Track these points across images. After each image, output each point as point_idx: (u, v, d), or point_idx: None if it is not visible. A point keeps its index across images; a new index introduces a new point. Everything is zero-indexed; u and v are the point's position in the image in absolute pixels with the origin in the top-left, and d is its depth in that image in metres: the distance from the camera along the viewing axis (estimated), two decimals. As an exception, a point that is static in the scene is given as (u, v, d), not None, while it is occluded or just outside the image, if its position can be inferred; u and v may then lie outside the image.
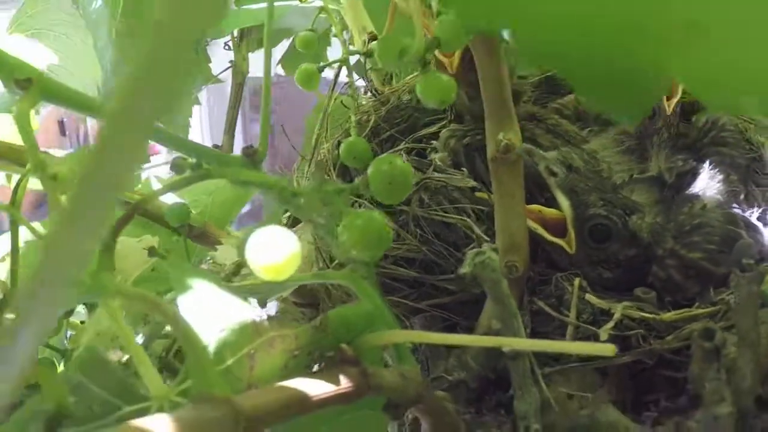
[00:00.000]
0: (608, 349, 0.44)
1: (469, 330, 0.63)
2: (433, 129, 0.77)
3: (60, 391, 0.38)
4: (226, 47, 1.09)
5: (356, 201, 0.67)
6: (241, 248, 0.45)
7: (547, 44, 0.33)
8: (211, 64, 1.11)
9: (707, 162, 0.73)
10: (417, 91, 0.52)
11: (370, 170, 0.46)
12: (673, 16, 0.30)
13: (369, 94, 0.83)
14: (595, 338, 0.59)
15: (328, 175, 0.71)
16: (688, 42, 0.30)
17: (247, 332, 0.44)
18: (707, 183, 0.70)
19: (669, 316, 0.59)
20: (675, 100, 0.73)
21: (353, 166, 0.70)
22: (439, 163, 0.69)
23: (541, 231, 0.62)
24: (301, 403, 0.42)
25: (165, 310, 0.39)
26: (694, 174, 0.71)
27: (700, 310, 0.60)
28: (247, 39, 1.06)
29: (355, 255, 0.45)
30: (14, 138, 0.77)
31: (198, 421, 0.35)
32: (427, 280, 0.65)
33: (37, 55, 0.92)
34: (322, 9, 0.78)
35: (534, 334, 0.60)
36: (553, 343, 0.53)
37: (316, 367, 0.50)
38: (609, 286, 0.63)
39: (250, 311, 0.45)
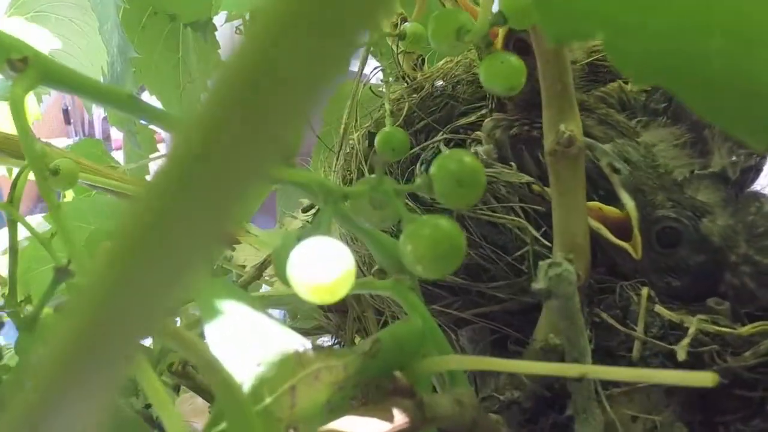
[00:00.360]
0: (709, 379, 0.37)
1: (522, 343, 0.56)
2: (471, 118, 0.70)
3: None
4: (238, 31, 1.01)
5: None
6: (277, 259, 0.38)
7: (652, 56, 0.27)
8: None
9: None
10: (481, 76, 0.44)
11: (433, 169, 0.39)
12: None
13: (400, 80, 0.75)
14: (666, 356, 0.53)
15: (360, 171, 0.64)
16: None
17: (289, 365, 0.38)
18: None
19: (746, 329, 0.52)
20: None
21: (391, 159, 0.62)
22: (484, 156, 0.62)
23: (604, 232, 0.55)
24: None
25: (198, 350, 0.33)
26: (757, 170, 0.64)
27: (781, 323, 0.53)
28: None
29: (421, 271, 0.38)
30: (14, 128, 0.70)
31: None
32: (473, 288, 0.58)
33: (39, 40, 0.84)
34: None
35: (596, 350, 0.54)
36: (636, 371, 0.46)
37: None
38: (676, 296, 0.56)
39: (291, 339, 0.38)
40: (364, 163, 0.65)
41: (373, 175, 0.43)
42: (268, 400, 0.37)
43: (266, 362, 0.37)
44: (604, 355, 0.54)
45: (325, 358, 0.39)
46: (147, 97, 1.00)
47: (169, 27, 0.99)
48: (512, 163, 0.61)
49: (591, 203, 0.57)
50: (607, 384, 0.53)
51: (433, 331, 0.48)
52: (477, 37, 0.44)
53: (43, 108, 1.72)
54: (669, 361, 0.53)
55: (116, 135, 2.47)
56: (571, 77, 0.52)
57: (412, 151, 0.65)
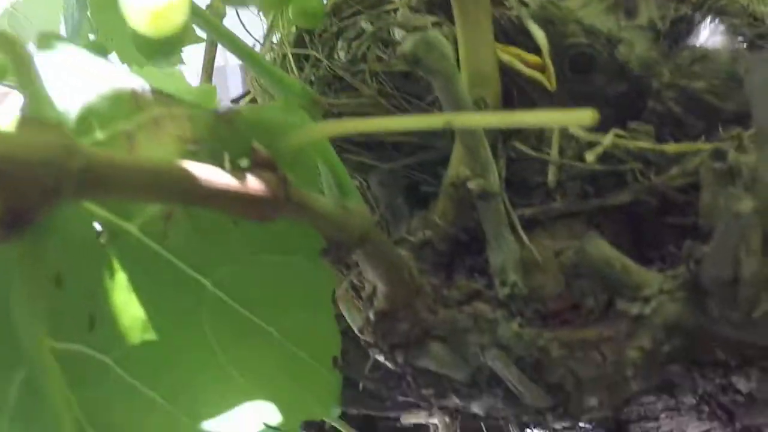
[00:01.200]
0: (587, 116, 0.33)
1: (436, 186, 0.52)
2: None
3: None
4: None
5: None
6: None
7: None
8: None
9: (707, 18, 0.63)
10: None
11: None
12: None
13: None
14: (585, 179, 0.49)
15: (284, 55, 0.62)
16: None
17: (124, 103, 0.35)
18: (709, 37, 0.60)
19: (672, 147, 0.48)
20: None
21: (305, 25, 0.60)
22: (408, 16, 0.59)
23: (517, 64, 0.52)
24: (181, 182, 0.32)
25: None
26: (690, 23, 0.61)
27: (708, 145, 0.49)
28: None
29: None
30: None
31: (10, 139, 0.26)
32: (386, 141, 0.55)
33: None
34: None
35: (512, 182, 0.50)
36: (504, 115, 0.41)
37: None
38: (598, 129, 0.52)
39: (131, 80, 0.35)
40: (287, 44, 0.63)
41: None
42: (99, 135, 0.34)
43: (98, 95, 0.34)
44: (520, 186, 0.50)
45: (166, 104, 0.36)
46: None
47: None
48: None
49: (510, 47, 0.54)
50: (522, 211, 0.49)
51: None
52: None
53: None
54: (589, 185, 0.49)
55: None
56: None
57: (334, 28, 0.63)
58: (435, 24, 0.56)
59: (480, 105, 0.49)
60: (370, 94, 0.54)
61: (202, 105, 0.36)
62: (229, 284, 0.38)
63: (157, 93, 0.35)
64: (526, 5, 0.53)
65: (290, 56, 0.60)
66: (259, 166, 0.38)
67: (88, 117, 0.33)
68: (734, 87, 0.52)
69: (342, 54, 0.60)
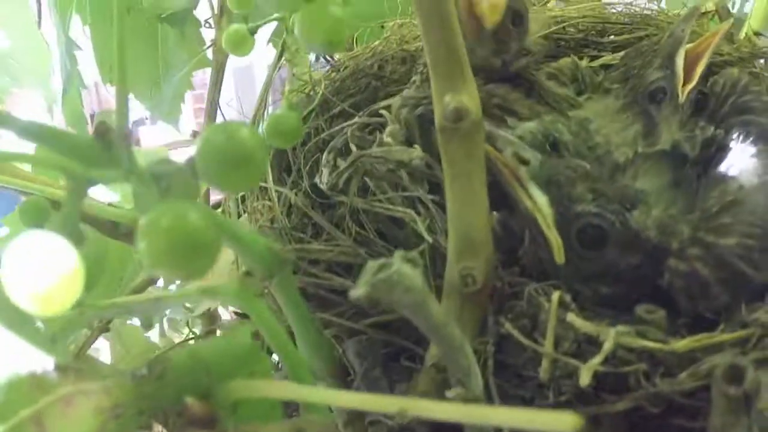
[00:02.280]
0: (569, 424, 0.27)
1: (418, 358, 0.47)
2: (395, 99, 0.60)
3: None
4: (207, 25, 0.95)
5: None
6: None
7: None
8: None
9: (735, 135, 0.56)
10: (296, 28, 0.35)
11: (199, 141, 0.30)
12: None
13: (322, 60, 0.67)
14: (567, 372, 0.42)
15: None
16: None
17: (23, 389, 0.29)
18: (741, 157, 0.53)
19: (682, 344, 0.42)
20: (691, 86, 0.56)
21: (279, 146, 0.54)
22: (387, 139, 0.53)
23: (544, 220, 0.45)
24: None
25: None
26: (720, 146, 0.53)
27: (726, 336, 0.42)
28: (228, 15, 0.91)
29: (163, 272, 0.29)
30: None
31: None
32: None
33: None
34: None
35: (501, 368, 0.44)
36: (469, 408, 0.35)
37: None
38: (609, 304, 0.46)
39: (31, 360, 0.30)
40: (267, 154, 0.57)
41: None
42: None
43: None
44: (510, 375, 0.44)
45: (74, 382, 0.31)
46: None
47: (147, 23, 0.94)
48: (416, 146, 0.52)
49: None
50: (510, 402, 0.43)
51: (278, 343, 0.40)
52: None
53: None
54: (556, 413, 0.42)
55: (145, 140, 2.45)
56: (460, 41, 0.42)
57: (321, 136, 0.57)
58: (419, 157, 0.49)
59: (468, 282, 0.43)
60: (347, 245, 0.48)
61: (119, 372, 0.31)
62: None
63: (62, 370, 0.30)
64: (526, 163, 0.46)
65: (270, 177, 0.54)
66: (193, 424, 0.33)
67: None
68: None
69: (326, 172, 0.53)
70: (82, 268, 0.28)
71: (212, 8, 0.96)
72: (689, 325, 0.45)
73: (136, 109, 1.01)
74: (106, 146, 0.35)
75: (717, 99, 0.60)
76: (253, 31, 0.57)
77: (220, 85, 0.97)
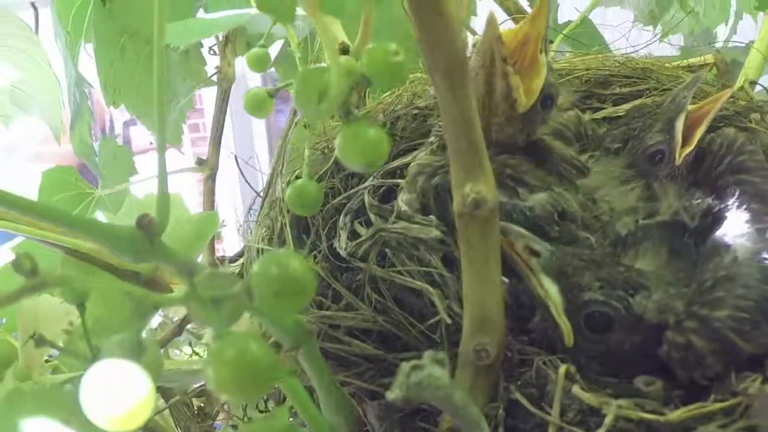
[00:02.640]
0: None
1: (433, 420, 0.51)
2: (407, 159, 0.64)
3: None
4: (211, 52, 0.98)
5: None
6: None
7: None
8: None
9: (730, 196, 0.60)
10: (339, 149, 0.39)
11: (254, 270, 0.34)
12: None
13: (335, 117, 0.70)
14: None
15: (282, 223, 0.59)
16: None
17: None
18: (736, 224, 0.57)
19: (676, 415, 0.46)
20: (689, 150, 0.60)
21: (303, 214, 0.58)
22: (404, 208, 0.57)
23: (554, 307, 0.50)
24: None
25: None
26: (717, 214, 0.57)
27: (717, 405, 0.47)
28: (233, 42, 0.94)
29: (228, 396, 0.33)
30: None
31: None
32: (383, 358, 0.53)
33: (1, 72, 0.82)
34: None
35: (510, 431, 0.48)
36: None
37: None
38: (611, 374, 0.50)
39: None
40: (286, 213, 0.60)
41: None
42: None
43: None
44: (521, 439, 0.49)
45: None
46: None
47: (148, 48, 0.97)
48: (431, 216, 0.56)
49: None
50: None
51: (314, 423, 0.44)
52: (335, 103, 0.38)
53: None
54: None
55: (137, 142, 2.46)
56: (479, 134, 0.46)
57: (338, 199, 0.61)
58: (441, 233, 0.53)
59: (482, 356, 0.47)
60: (366, 314, 0.52)
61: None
62: None
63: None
64: (537, 255, 0.50)
65: (290, 240, 0.57)
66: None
67: None
68: (759, 321, 0.49)
69: (343, 236, 0.57)
70: (153, 390, 0.32)
71: (217, 36, 0.99)
72: (684, 391, 0.49)
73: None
74: (148, 237, 0.39)
75: (714, 157, 0.64)
76: (272, 94, 0.61)
77: (225, 111, 1.00)
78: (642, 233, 0.56)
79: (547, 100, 0.60)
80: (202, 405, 0.86)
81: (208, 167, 0.93)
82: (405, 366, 0.38)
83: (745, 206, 0.60)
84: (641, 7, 1.03)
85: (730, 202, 0.59)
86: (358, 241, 0.56)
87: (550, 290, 0.50)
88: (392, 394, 0.37)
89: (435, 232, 0.54)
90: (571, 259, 0.51)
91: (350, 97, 0.40)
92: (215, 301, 0.34)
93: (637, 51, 0.86)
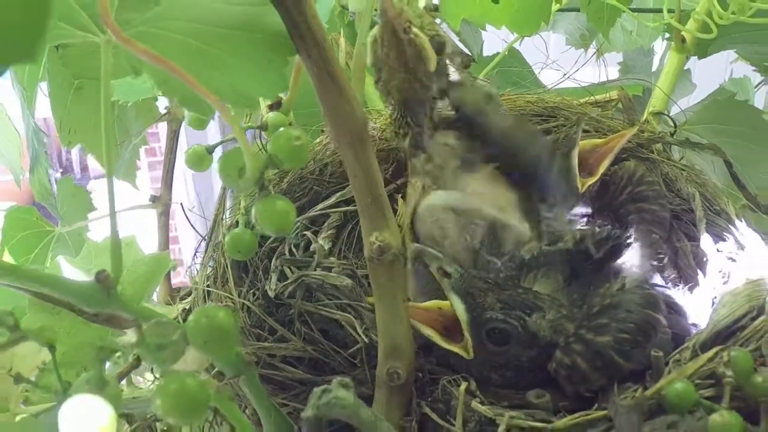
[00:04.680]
0: None
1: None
2: (331, 201, 0.75)
3: None
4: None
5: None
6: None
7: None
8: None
9: (631, 223, 0.71)
10: (254, 218, 0.50)
11: (189, 321, 0.45)
12: None
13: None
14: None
15: (224, 266, 0.70)
16: None
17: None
18: (630, 253, 0.68)
19: (562, 423, 0.57)
20: (592, 181, 0.72)
21: (238, 259, 0.68)
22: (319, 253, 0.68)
23: (436, 339, 0.61)
24: None
25: None
26: (616, 242, 0.68)
27: (598, 413, 0.57)
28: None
29: (173, 421, 0.43)
30: None
31: None
32: (317, 380, 0.63)
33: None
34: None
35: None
36: None
37: None
38: (510, 386, 0.62)
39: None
40: (227, 256, 0.71)
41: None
42: None
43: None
44: (429, 448, 0.59)
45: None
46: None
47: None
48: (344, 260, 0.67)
49: (431, 303, 0.63)
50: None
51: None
52: (252, 180, 0.49)
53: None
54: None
55: (94, 165, 2.56)
56: (381, 189, 0.57)
57: (269, 244, 0.71)
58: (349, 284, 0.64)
59: (393, 378, 0.58)
60: (297, 344, 0.63)
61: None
62: None
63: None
64: (448, 276, 0.61)
65: (231, 277, 0.68)
66: None
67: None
68: (640, 342, 0.60)
69: (274, 278, 0.68)
70: (115, 418, 0.42)
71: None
72: (572, 402, 0.60)
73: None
74: (104, 290, 0.50)
75: (616, 188, 0.76)
76: (210, 150, 0.71)
77: (175, 150, 1.10)
78: (544, 258, 0.67)
79: (439, 47, 0.71)
80: (165, 429, 0.96)
81: (161, 204, 1.03)
82: (316, 390, 0.49)
83: (644, 232, 0.71)
84: (572, 31, 1.15)
85: (630, 229, 0.70)
86: (284, 284, 0.67)
87: (458, 308, 0.62)
88: (306, 413, 0.48)
89: (347, 281, 0.66)
90: (476, 281, 0.62)
91: (264, 175, 0.50)
92: (159, 347, 0.45)
93: (567, 77, 0.97)
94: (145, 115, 1.12)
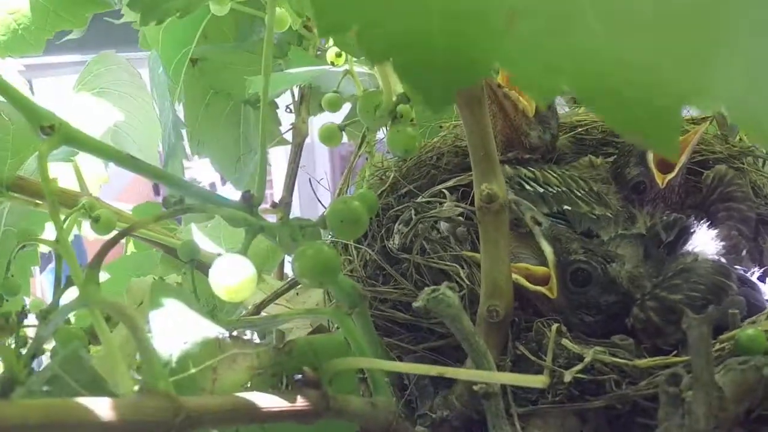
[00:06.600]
0: (538, 381, 0.51)
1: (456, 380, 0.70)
2: (449, 183, 0.87)
3: (12, 360, 0.49)
4: (288, 110, 1.23)
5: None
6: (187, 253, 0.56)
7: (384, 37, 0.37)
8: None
9: (720, 220, 0.80)
10: (387, 142, 0.61)
11: (327, 210, 0.56)
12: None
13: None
14: (571, 383, 0.66)
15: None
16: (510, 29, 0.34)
17: (210, 347, 0.54)
18: (706, 240, 0.76)
19: (644, 362, 0.65)
20: (671, 176, 0.81)
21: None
22: (444, 208, 0.79)
23: (522, 281, 0.70)
24: (249, 411, 0.50)
25: (126, 315, 0.50)
26: (688, 231, 0.77)
27: (678, 359, 0.65)
28: (307, 101, 1.19)
29: (307, 281, 0.54)
30: (72, 185, 0.92)
31: (136, 406, 0.45)
32: (422, 324, 0.73)
33: (104, 113, 1.07)
34: (347, 72, 0.90)
35: (515, 377, 0.68)
36: (482, 373, 0.60)
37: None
38: (590, 332, 0.70)
39: (214, 329, 0.55)
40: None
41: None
42: (192, 371, 0.53)
43: (191, 342, 0.54)
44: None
45: (241, 346, 0.56)
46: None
47: (231, 105, 1.21)
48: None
49: (520, 264, 0.73)
50: (522, 405, 0.66)
51: (360, 348, 0.63)
52: (386, 112, 0.61)
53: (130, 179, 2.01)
54: (575, 388, 0.66)
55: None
56: (493, 146, 0.67)
57: (391, 212, 0.83)
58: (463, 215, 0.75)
59: (493, 314, 0.67)
60: (409, 288, 0.73)
61: (267, 343, 0.55)
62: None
63: (234, 338, 0.55)
64: (539, 224, 0.71)
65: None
66: (306, 384, 0.56)
67: (186, 359, 0.53)
68: (711, 301, 0.68)
69: (397, 238, 0.79)
70: (256, 275, 0.53)
71: (293, 96, 1.24)
72: (652, 349, 0.68)
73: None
74: (249, 207, 0.62)
75: (707, 189, 0.86)
76: (342, 128, 0.84)
77: (298, 161, 1.24)
78: (621, 239, 0.77)
79: None
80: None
81: (281, 209, 1.16)
82: (427, 288, 0.59)
83: (728, 228, 0.80)
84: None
85: (704, 224, 0.79)
86: (406, 231, 0.78)
87: (546, 249, 0.71)
88: (416, 304, 0.58)
89: (459, 209, 0.76)
90: (564, 231, 0.72)
91: (395, 110, 0.62)
92: (301, 227, 0.56)
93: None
94: (267, 130, 1.27)
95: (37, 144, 0.54)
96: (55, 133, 0.57)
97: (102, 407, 0.43)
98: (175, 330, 0.54)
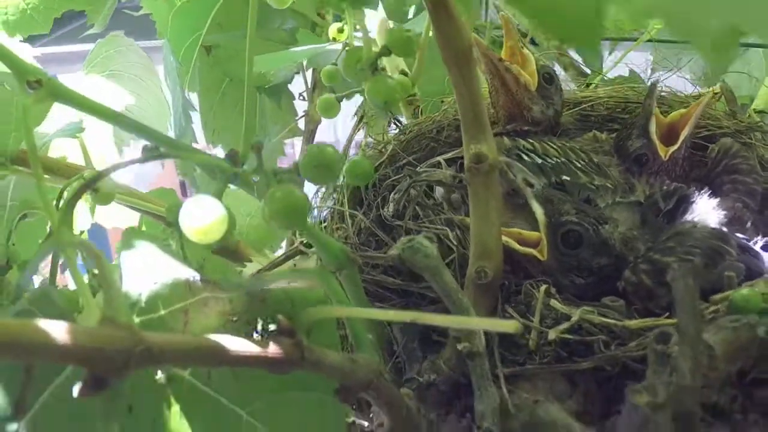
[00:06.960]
0: (511, 326, 0.50)
1: (446, 334, 0.70)
2: (448, 155, 0.86)
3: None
4: (301, 97, 1.24)
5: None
6: (170, 213, 0.56)
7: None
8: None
9: (725, 193, 0.78)
10: (366, 93, 0.61)
11: (302, 154, 0.56)
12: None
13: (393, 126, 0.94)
14: (558, 344, 0.65)
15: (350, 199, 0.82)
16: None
17: (180, 289, 0.54)
18: (707, 210, 0.75)
19: (634, 323, 0.64)
20: (674, 148, 0.80)
21: (354, 184, 0.80)
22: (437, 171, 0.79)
23: (511, 243, 0.69)
24: (215, 352, 0.50)
25: (94, 252, 0.50)
26: (688, 201, 0.76)
27: (670, 320, 0.64)
28: (320, 89, 1.20)
29: (275, 225, 0.54)
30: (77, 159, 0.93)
31: (94, 333, 0.45)
32: (412, 289, 0.73)
33: (114, 95, 1.09)
34: (347, 45, 0.90)
35: (501, 340, 0.67)
36: (455, 318, 0.59)
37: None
38: (581, 295, 0.69)
39: (187, 272, 0.55)
40: (345, 191, 0.83)
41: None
42: (162, 311, 0.53)
43: (161, 283, 0.54)
44: (509, 344, 0.67)
45: (212, 290, 0.56)
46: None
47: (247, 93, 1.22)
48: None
49: (512, 229, 0.72)
50: (508, 366, 0.65)
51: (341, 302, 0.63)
52: (367, 65, 0.61)
53: (155, 177, 2.04)
54: (563, 349, 0.65)
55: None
56: (482, 107, 0.67)
57: (388, 181, 0.83)
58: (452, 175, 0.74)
59: (481, 275, 0.66)
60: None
61: (242, 286, 0.55)
62: (261, 415, 0.56)
63: (205, 281, 0.55)
64: (531, 186, 0.70)
65: (347, 207, 0.79)
66: (281, 333, 0.56)
67: (155, 299, 0.53)
68: (708, 265, 0.67)
69: (392, 206, 0.79)
70: (226, 217, 0.53)
71: (306, 83, 1.25)
72: (643, 312, 0.67)
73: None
74: (234, 163, 0.62)
75: (712, 162, 0.84)
76: (339, 99, 0.84)
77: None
78: (617, 206, 0.76)
79: (546, 75, 0.85)
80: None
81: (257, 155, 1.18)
82: (404, 238, 0.58)
83: (732, 200, 0.78)
84: (696, 70, 1.23)
85: (704, 194, 0.77)
86: (397, 198, 0.78)
87: (537, 211, 0.70)
88: (392, 251, 0.57)
89: (450, 172, 0.76)
90: (556, 193, 0.71)
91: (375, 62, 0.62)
92: (276, 173, 0.56)
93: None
94: (282, 122, 1.28)
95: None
96: (42, 88, 0.58)
97: (58, 331, 0.43)
98: (145, 270, 0.54)
